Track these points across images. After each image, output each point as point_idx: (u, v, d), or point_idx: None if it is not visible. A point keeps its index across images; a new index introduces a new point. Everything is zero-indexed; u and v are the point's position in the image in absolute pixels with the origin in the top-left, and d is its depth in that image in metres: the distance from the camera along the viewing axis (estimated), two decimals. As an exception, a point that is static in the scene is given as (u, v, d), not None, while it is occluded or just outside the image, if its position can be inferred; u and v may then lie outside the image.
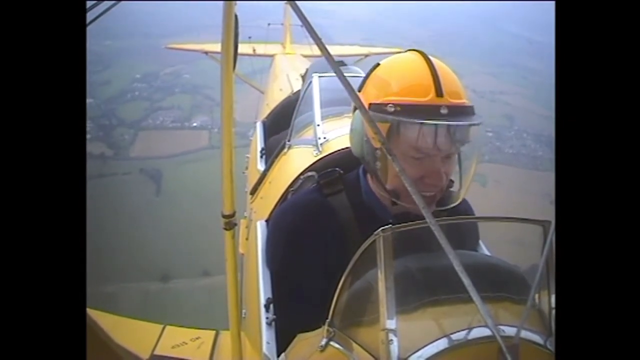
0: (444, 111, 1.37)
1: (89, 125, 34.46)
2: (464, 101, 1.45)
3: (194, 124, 36.02)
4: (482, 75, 43.18)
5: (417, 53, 1.50)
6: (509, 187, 29.31)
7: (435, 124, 1.36)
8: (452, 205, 1.52)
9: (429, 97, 1.40)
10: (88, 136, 33.17)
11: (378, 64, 1.57)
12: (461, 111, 1.42)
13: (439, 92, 1.40)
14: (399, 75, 1.49)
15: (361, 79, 1.60)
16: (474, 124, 1.42)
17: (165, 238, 23.67)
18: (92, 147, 32.72)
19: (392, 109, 1.39)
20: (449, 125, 1.37)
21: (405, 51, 1.57)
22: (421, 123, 1.36)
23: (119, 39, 44.77)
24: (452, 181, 1.55)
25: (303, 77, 3.79)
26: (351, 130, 1.57)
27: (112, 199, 26.86)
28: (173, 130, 36.45)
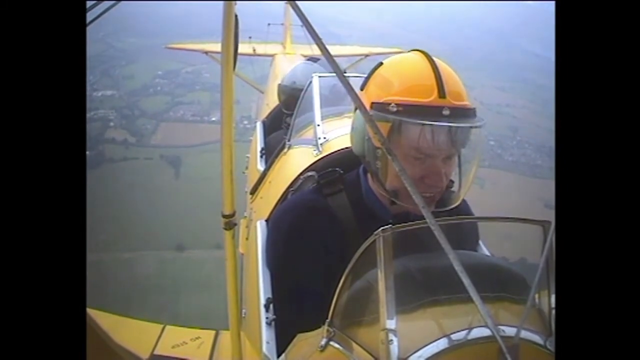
0: (446, 112, 1.38)
1: (112, 114, 37.64)
2: (466, 103, 1.45)
3: (213, 119, 37.37)
4: (491, 89, 44.66)
5: (420, 53, 1.50)
6: (505, 191, 30.58)
7: (437, 125, 1.36)
8: (451, 206, 1.52)
9: (432, 98, 1.40)
10: (111, 124, 36.59)
11: (381, 63, 1.57)
12: (463, 113, 1.42)
13: (441, 93, 1.40)
14: (402, 75, 1.49)
15: (363, 78, 1.60)
16: (475, 126, 1.43)
17: (182, 215, 25.16)
18: (116, 134, 35.64)
19: (395, 109, 1.40)
20: (450, 127, 1.37)
21: (409, 51, 1.57)
22: (423, 124, 1.37)
23: (143, 37, 46.82)
24: (451, 181, 1.55)
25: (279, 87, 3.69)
26: (352, 129, 1.57)
27: (133, 179, 29.48)
28: (193, 123, 38.43)
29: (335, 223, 1.58)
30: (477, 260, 1.33)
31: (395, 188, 1.49)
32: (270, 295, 1.64)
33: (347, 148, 1.74)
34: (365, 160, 1.55)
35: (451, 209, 1.57)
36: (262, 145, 3.54)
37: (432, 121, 1.36)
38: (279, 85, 3.67)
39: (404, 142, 1.41)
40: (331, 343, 1.13)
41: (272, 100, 4.51)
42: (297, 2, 0.84)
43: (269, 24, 7.81)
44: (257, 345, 1.61)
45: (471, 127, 1.42)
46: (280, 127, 3.62)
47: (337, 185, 1.64)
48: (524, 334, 0.92)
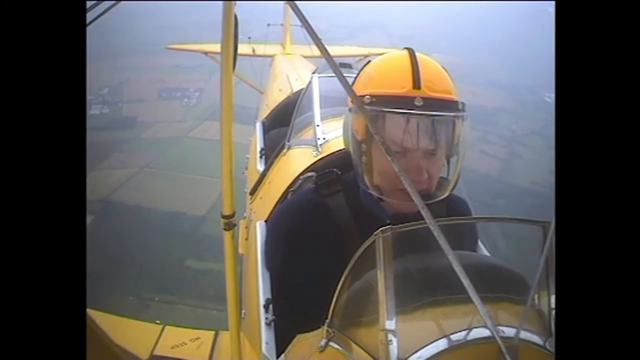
0: (418, 102, 1.36)
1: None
2: (448, 95, 1.42)
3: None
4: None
5: (406, 50, 1.51)
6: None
7: (406, 113, 1.36)
8: (439, 198, 1.48)
9: (406, 89, 1.40)
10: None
11: (369, 62, 1.59)
12: (440, 104, 1.39)
13: (416, 84, 1.39)
14: (381, 70, 1.51)
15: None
16: (448, 115, 1.39)
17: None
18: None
19: (368, 101, 1.41)
20: (423, 116, 1.36)
21: (402, 49, 1.57)
22: (391, 112, 1.37)
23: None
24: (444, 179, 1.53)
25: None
26: (343, 127, 1.57)
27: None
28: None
29: (333, 223, 1.57)
30: (476, 260, 1.32)
31: (379, 185, 1.47)
32: (269, 296, 1.64)
33: (346, 149, 1.74)
34: (353, 158, 1.54)
35: (450, 208, 1.57)
36: (262, 146, 3.54)
37: (401, 109, 1.36)
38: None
39: (382, 136, 1.39)
40: (331, 343, 1.13)
41: (272, 101, 4.50)
42: (296, 2, 0.84)
43: (268, 25, 7.79)
44: (257, 345, 1.61)
45: (443, 115, 1.38)
46: (280, 125, 3.61)
47: (335, 186, 1.64)
48: (524, 334, 0.92)
